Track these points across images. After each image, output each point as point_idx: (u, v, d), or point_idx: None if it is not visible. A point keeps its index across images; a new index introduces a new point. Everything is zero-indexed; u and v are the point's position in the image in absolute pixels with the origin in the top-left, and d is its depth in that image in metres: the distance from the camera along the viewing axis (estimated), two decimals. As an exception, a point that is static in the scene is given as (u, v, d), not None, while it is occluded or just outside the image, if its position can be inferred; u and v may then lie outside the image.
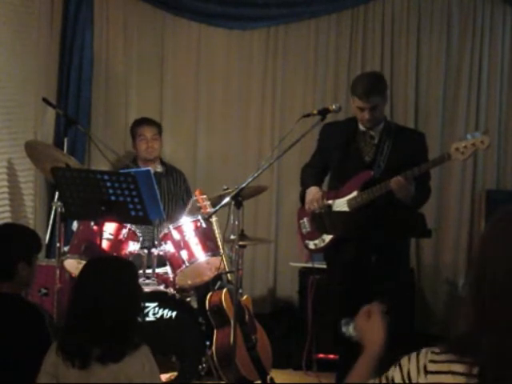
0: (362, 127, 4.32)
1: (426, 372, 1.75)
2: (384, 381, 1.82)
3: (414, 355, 1.79)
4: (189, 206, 5.05)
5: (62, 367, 2.84)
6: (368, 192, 4.16)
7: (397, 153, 4.23)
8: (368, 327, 2.08)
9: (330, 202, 4.28)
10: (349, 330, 2.20)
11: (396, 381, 1.79)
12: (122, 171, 4.62)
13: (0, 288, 3.18)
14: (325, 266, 4.66)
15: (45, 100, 5.14)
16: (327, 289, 4.82)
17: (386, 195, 4.11)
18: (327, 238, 4.30)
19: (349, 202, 4.22)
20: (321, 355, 5.13)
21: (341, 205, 4.25)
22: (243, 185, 4.07)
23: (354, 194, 4.21)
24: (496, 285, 1.71)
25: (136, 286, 3.03)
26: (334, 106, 4.17)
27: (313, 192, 4.31)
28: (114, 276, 2.92)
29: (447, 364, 1.73)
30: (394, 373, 1.81)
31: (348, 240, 4.22)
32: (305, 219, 4.43)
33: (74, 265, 4.64)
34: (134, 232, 4.69)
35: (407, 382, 1.77)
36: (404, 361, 1.81)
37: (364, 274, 4.20)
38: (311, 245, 4.41)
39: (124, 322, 2.85)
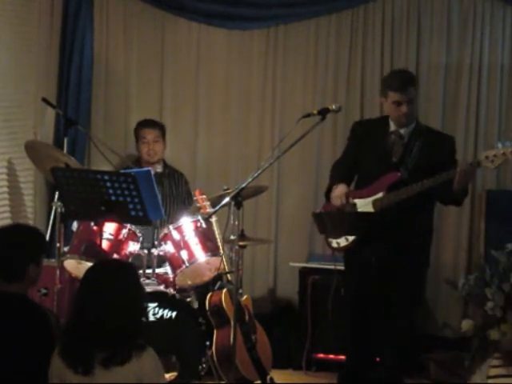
0: (392, 126, 4.31)
1: None
2: None
3: None
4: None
5: (67, 371, 2.84)
6: (394, 194, 4.14)
7: (425, 154, 4.21)
8: None
9: (356, 201, 4.26)
10: None
11: None
12: (122, 171, 4.62)
13: (9, 288, 3.17)
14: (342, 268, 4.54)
15: (45, 100, 5.14)
16: (326, 289, 4.80)
17: (412, 198, 4.10)
18: (350, 237, 4.27)
19: (374, 203, 4.20)
20: (321, 355, 5.14)
21: (366, 204, 4.23)
22: (243, 185, 4.06)
23: (380, 194, 4.20)
24: None
25: (139, 287, 3.02)
26: (334, 106, 4.16)
27: (339, 188, 4.28)
28: (116, 279, 2.91)
29: None
30: None
31: (369, 241, 4.20)
32: None
33: (73, 265, 4.64)
34: (133, 232, 4.69)
35: None
36: None
37: (383, 276, 4.19)
38: (334, 243, 4.35)
39: (128, 325, 2.84)
